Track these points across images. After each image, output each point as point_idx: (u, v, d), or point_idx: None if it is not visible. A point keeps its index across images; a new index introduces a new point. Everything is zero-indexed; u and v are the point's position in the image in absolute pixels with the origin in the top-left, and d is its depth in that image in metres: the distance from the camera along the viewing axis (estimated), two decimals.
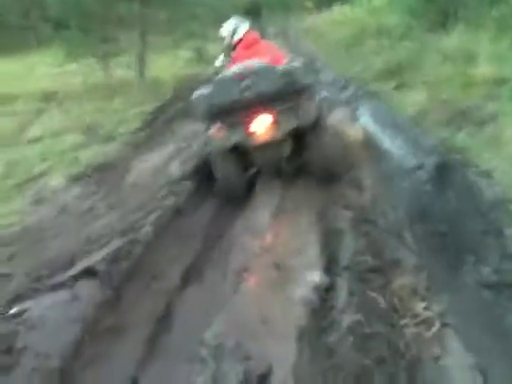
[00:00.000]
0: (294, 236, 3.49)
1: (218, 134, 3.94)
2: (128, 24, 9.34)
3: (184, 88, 10.05)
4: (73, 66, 10.14)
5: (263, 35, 5.22)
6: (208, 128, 4.10)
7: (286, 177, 4.45)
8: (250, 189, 4.36)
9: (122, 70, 10.32)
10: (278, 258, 3.16)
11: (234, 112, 3.80)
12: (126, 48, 9.88)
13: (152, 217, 3.58)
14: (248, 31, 4.61)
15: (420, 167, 5.34)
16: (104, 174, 4.86)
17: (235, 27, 4.58)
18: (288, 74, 3.76)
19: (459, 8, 11.85)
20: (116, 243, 3.17)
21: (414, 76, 9.54)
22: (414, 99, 7.80)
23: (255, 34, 4.67)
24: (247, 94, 3.70)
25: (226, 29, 4.62)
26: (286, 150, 4.21)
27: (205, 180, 4.53)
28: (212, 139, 4.04)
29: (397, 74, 10.00)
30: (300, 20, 30.54)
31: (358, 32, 15.41)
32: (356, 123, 6.40)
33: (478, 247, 3.54)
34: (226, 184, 4.22)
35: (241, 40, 4.53)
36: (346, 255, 3.17)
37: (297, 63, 3.99)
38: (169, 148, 5.51)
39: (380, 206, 4.21)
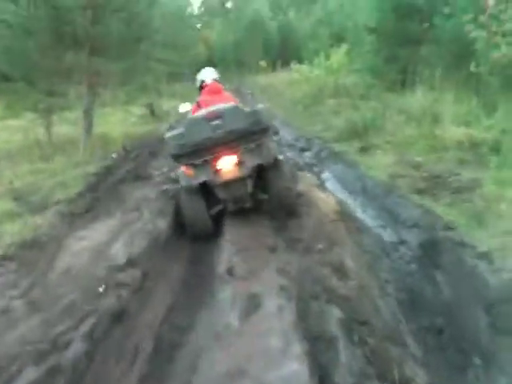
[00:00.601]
0: (267, 346, 2.65)
1: (188, 172, 4.20)
2: (77, 76, 8.55)
3: (134, 146, 9.32)
4: (12, 122, 9.20)
5: None
6: (178, 166, 4.49)
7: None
8: (216, 225, 4.60)
9: (67, 126, 9.49)
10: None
11: (203, 150, 4.04)
12: (73, 102, 9.05)
13: (84, 326, 2.69)
14: (215, 81, 5.20)
15: (402, 243, 4.75)
16: (30, 255, 3.93)
17: (205, 74, 5.27)
18: (254, 114, 4.10)
19: (419, 68, 11.93)
20: (28, 374, 2.26)
21: (379, 137, 9.22)
22: (381, 162, 7.37)
23: (220, 85, 5.17)
24: (217, 133, 3.99)
25: (199, 74, 5.33)
26: (250, 186, 4.45)
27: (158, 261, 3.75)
28: (182, 177, 4.30)
29: (360, 134, 9.67)
30: (255, 78, 30.80)
31: (316, 91, 15.34)
32: (325, 190, 5.79)
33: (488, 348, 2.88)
34: (194, 220, 4.44)
35: (206, 86, 5.11)
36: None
37: (260, 106, 4.26)
38: (114, 220, 4.64)
39: (369, 298, 3.51)
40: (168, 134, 4.11)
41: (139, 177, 6.66)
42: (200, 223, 4.45)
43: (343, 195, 5.99)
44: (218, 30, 48.25)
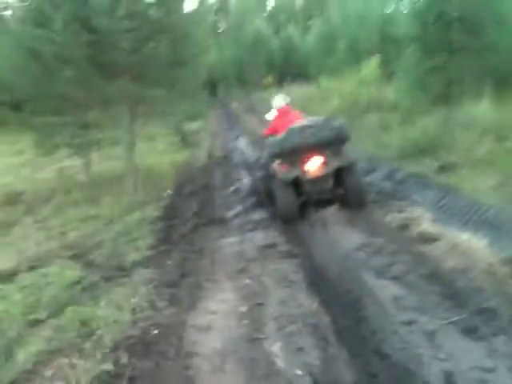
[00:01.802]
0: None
1: (282, 169, 5.31)
2: (116, 107, 7.60)
3: (182, 180, 8.34)
4: (44, 159, 8.23)
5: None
6: (272, 165, 5.53)
7: None
8: (301, 213, 5.43)
9: (105, 162, 8.51)
10: None
11: (296, 153, 5.21)
12: (110, 135, 8.09)
13: None
14: (286, 103, 6.43)
15: None
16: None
17: (278, 100, 6.47)
18: (339, 127, 5.27)
19: (467, 79, 11.06)
20: None
21: (452, 154, 8.26)
22: (482, 184, 6.40)
23: (288, 107, 6.42)
24: (310, 140, 5.13)
25: (275, 99, 6.54)
26: (330, 183, 5.43)
27: None
28: (277, 172, 5.33)
29: (427, 151, 8.71)
30: (263, 95, 29.85)
31: (349, 106, 14.44)
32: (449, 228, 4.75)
33: None
34: (284, 208, 5.35)
35: (279, 109, 6.35)
36: None
37: (341, 121, 5.46)
38: (227, 292, 3.61)
39: None
40: (269, 140, 5.71)
41: (212, 220, 5.66)
42: (290, 210, 5.37)
43: (479, 235, 4.30)
44: (216, 48, 47.85)
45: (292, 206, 5.35)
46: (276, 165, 5.44)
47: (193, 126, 14.45)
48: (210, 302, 3.44)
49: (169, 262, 4.36)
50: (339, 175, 5.45)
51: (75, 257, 4.99)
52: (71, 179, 8.17)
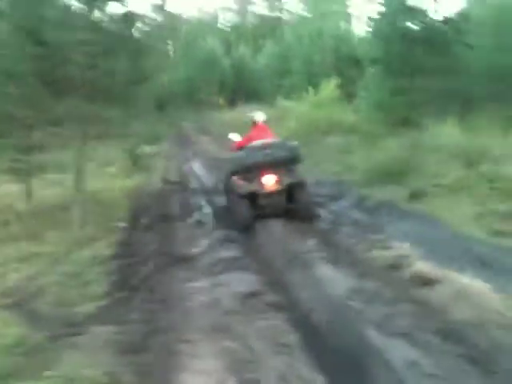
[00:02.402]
0: None
1: (240, 183, 5.97)
2: (65, 127, 6.81)
3: (135, 209, 7.61)
4: None
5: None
6: (231, 179, 6.22)
7: None
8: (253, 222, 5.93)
9: (47, 188, 7.66)
10: None
11: (253, 170, 5.89)
12: (54, 158, 7.25)
13: None
14: (264, 122, 6.76)
15: None
16: None
17: (257, 116, 6.74)
18: (293, 148, 6.12)
19: (432, 101, 10.99)
20: None
21: (421, 179, 8.02)
22: (459, 213, 6.10)
23: (266, 125, 6.79)
24: (267, 158, 5.84)
25: (253, 115, 6.83)
26: (283, 198, 6.02)
27: None
28: (236, 186, 6.00)
29: (394, 176, 8.43)
30: (216, 116, 29.21)
31: (307, 127, 14.15)
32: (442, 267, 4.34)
33: None
34: (240, 218, 5.93)
35: (257, 124, 6.68)
36: None
37: (296, 143, 6.34)
38: (209, 360, 2.98)
39: None
40: (231, 155, 6.46)
41: (176, 259, 4.99)
42: (246, 220, 5.90)
43: (479, 276, 3.82)
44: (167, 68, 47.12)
45: (248, 217, 5.92)
46: (235, 179, 6.10)
47: (146, 148, 13.64)
48: (188, 375, 2.78)
49: (130, 316, 3.65)
50: (291, 191, 6.05)
51: (15, 306, 4.18)
52: (9, 208, 7.22)
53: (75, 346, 3.25)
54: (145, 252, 5.38)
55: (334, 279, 4.09)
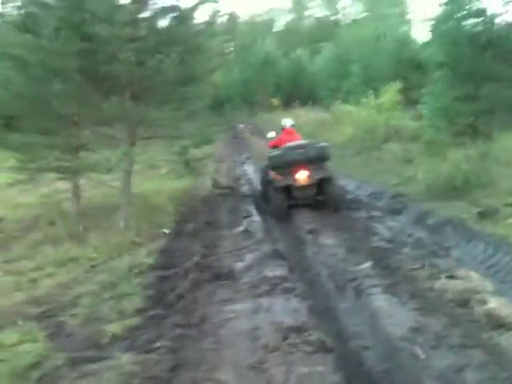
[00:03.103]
0: None
1: (277, 178, 6.93)
2: (109, 125, 6.62)
3: (183, 214, 7.31)
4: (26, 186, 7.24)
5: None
6: (269, 174, 7.29)
7: None
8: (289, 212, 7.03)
9: (95, 188, 7.51)
10: None
11: (288, 166, 6.83)
12: (103, 160, 7.06)
13: None
14: (291, 126, 8.08)
15: None
16: None
17: (286, 122, 8.13)
18: (324, 147, 7.09)
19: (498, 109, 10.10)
20: None
21: (489, 195, 7.24)
22: None
23: (293, 129, 8.06)
24: (300, 157, 6.79)
25: (283, 120, 8.26)
26: (313, 190, 7.03)
27: None
28: (274, 180, 7.00)
29: (459, 191, 7.69)
30: (270, 118, 28.81)
31: (364, 134, 13.50)
32: None
33: None
34: (276, 208, 7.00)
35: (285, 128, 8.01)
36: None
37: (324, 143, 7.40)
38: None
39: None
40: (270, 154, 7.30)
41: (217, 275, 4.60)
42: (281, 211, 6.92)
43: None
44: (223, 68, 47.39)
45: (282, 207, 6.97)
46: (273, 174, 7.08)
47: (197, 149, 13.44)
48: None
49: (158, 342, 3.28)
50: (321, 185, 6.99)
51: (43, 317, 3.95)
52: (57, 207, 7.14)
53: (93, 374, 2.91)
54: (186, 263, 5.02)
55: (393, 314, 3.56)
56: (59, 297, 4.38)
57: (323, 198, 7.05)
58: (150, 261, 5.12)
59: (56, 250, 5.59)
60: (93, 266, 5.05)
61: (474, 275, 4.38)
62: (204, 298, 4.14)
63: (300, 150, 6.83)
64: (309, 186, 6.91)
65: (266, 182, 7.54)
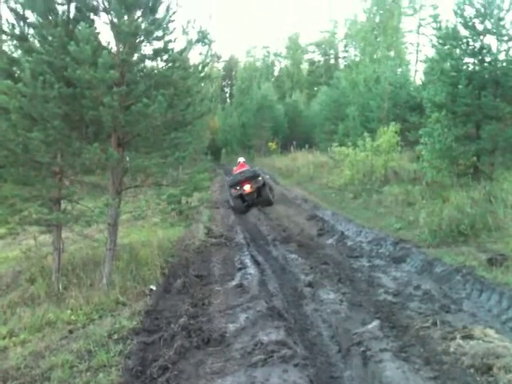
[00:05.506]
0: None
1: (234, 191, 13.03)
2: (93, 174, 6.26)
3: (173, 268, 6.87)
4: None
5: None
6: (230, 189, 13.71)
7: None
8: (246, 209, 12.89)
9: (84, 240, 7.08)
10: None
11: (239, 182, 12.81)
12: (87, 209, 6.65)
13: None
14: (243, 161, 14.82)
15: None
16: None
17: (240, 159, 15.16)
18: (255, 171, 13.56)
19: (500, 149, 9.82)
20: None
21: (496, 240, 6.86)
22: None
23: (244, 163, 14.61)
24: (244, 177, 12.84)
25: (239, 158, 15.33)
26: (255, 194, 12.97)
27: None
28: (232, 193, 13.26)
29: (467, 235, 7.29)
30: (268, 161, 28.64)
31: (362, 177, 13.20)
32: None
33: None
34: (237, 207, 13.22)
35: (240, 162, 14.70)
36: None
37: (256, 168, 15.38)
38: None
39: None
40: (228, 179, 15.97)
41: (207, 340, 4.11)
42: (240, 208, 13.09)
43: None
44: (220, 114, 47.89)
45: (241, 206, 13.02)
46: (232, 189, 13.08)
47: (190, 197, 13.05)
48: None
49: None
50: (258, 191, 12.89)
51: None
52: (39, 262, 6.68)
53: None
54: (172, 326, 4.54)
55: (405, 382, 3.08)
56: (30, 369, 3.88)
57: (261, 198, 12.99)
58: (133, 324, 4.63)
59: (32, 312, 5.10)
60: (70, 331, 4.55)
61: (492, 333, 3.93)
62: (191, 369, 3.65)
63: (243, 174, 12.91)
64: (252, 192, 12.74)
65: (230, 194, 13.96)
